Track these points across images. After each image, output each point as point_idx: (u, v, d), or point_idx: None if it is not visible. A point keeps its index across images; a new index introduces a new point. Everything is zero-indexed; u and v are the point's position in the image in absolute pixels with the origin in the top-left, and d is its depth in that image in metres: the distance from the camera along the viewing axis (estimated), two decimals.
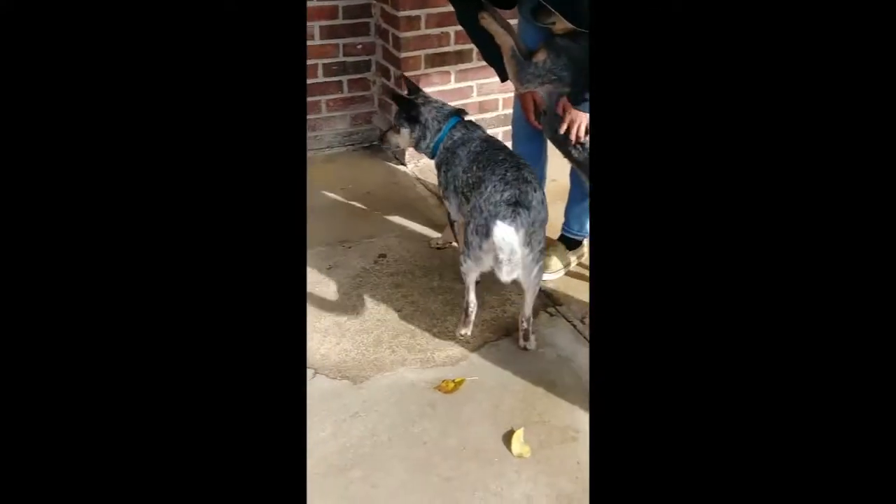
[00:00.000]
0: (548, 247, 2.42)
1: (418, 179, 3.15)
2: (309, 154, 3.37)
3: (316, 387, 1.98)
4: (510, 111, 2.71)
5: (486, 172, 2.06)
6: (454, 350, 2.14)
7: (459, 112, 2.35)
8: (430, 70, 3.18)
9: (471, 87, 3.29)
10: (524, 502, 1.66)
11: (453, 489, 1.68)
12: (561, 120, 2.16)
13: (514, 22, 2.33)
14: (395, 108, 2.47)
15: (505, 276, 1.93)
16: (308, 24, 3.17)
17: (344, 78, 3.34)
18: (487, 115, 3.36)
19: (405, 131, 2.35)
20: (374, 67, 3.38)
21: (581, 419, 1.87)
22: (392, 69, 3.25)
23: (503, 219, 1.92)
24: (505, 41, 2.22)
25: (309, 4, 3.15)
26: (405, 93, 2.44)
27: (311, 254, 2.58)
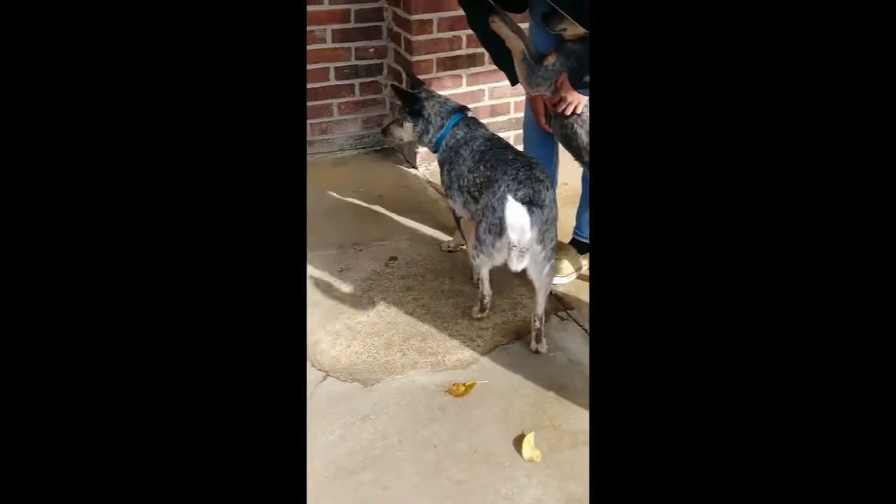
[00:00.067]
0: (559, 250, 2.42)
1: (429, 182, 3.15)
2: (320, 157, 3.39)
3: (326, 389, 1.99)
4: (522, 115, 2.71)
5: (497, 172, 2.07)
6: (465, 353, 2.13)
7: (462, 109, 2.36)
8: (441, 73, 3.18)
9: (482, 90, 3.30)
10: None
11: (464, 493, 1.68)
12: (560, 98, 2.16)
13: (524, 26, 2.33)
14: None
15: (515, 264, 1.95)
16: (320, 27, 3.19)
17: (356, 81, 3.35)
18: (499, 119, 3.36)
19: (408, 125, 2.37)
20: (385, 71, 3.38)
21: None
22: (404, 73, 3.25)
23: (516, 202, 1.93)
24: (515, 45, 2.22)
25: (321, 8, 3.16)
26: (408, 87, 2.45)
27: (323, 256, 2.59)
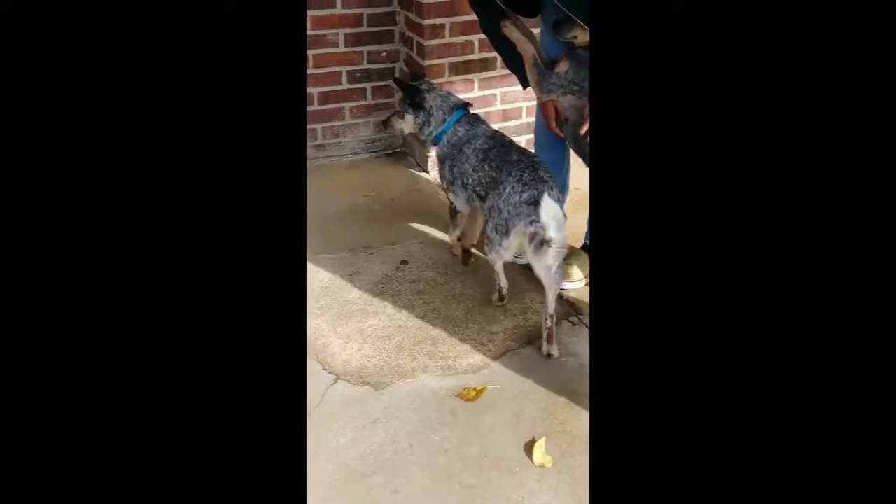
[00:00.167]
0: (570, 255, 2.42)
1: (441, 186, 3.15)
2: (332, 160, 3.40)
3: (337, 392, 1.99)
4: (534, 119, 2.71)
5: (502, 174, 2.11)
6: (476, 358, 2.13)
7: (465, 105, 2.39)
8: (453, 78, 3.18)
9: (494, 95, 3.30)
10: None
11: (474, 497, 1.68)
12: (583, 122, 2.16)
13: (537, 30, 2.33)
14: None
15: (553, 258, 2.02)
16: (333, 31, 3.20)
17: (368, 85, 3.36)
18: (511, 123, 3.36)
19: (409, 117, 2.40)
20: (398, 75, 3.39)
21: None
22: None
23: (546, 195, 2.02)
24: (526, 49, 2.22)
25: (333, 12, 3.18)
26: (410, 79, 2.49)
27: (334, 259, 2.59)
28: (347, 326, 2.26)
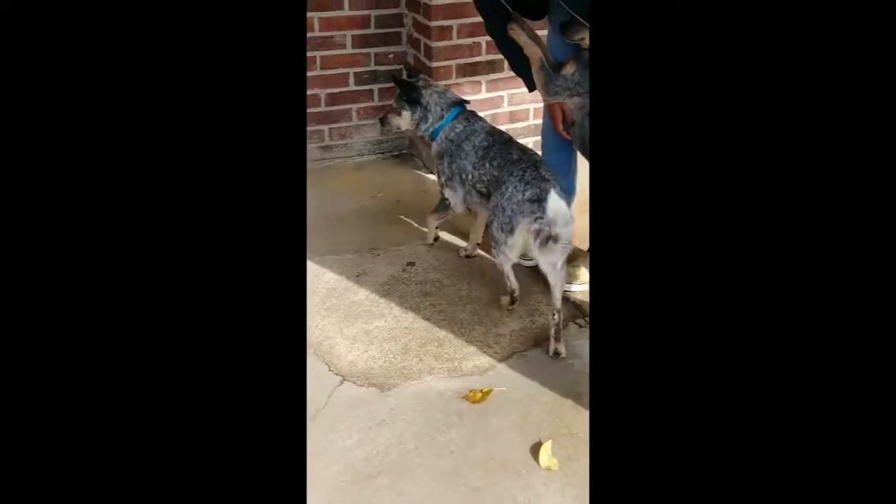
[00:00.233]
0: (578, 257, 2.42)
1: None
2: (339, 162, 3.40)
3: (343, 394, 1.99)
4: (541, 121, 2.71)
5: (504, 173, 2.15)
6: (482, 360, 2.13)
7: (462, 102, 2.42)
8: (461, 79, 3.18)
9: (502, 96, 3.29)
10: None
11: (480, 500, 1.67)
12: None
13: (543, 33, 2.33)
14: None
15: (558, 254, 2.05)
16: (340, 32, 3.20)
17: (375, 87, 3.36)
18: (518, 125, 3.35)
19: (406, 113, 2.43)
20: (403, 75, 3.39)
21: None
22: None
23: (552, 191, 2.05)
24: (533, 52, 2.22)
25: (341, 13, 3.18)
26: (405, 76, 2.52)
27: (340, 261, 2.59)
28: (354, 328, 2.26)
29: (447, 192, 2.42)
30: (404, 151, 3.50)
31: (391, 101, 3.39)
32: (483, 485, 1.71)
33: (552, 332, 2.15)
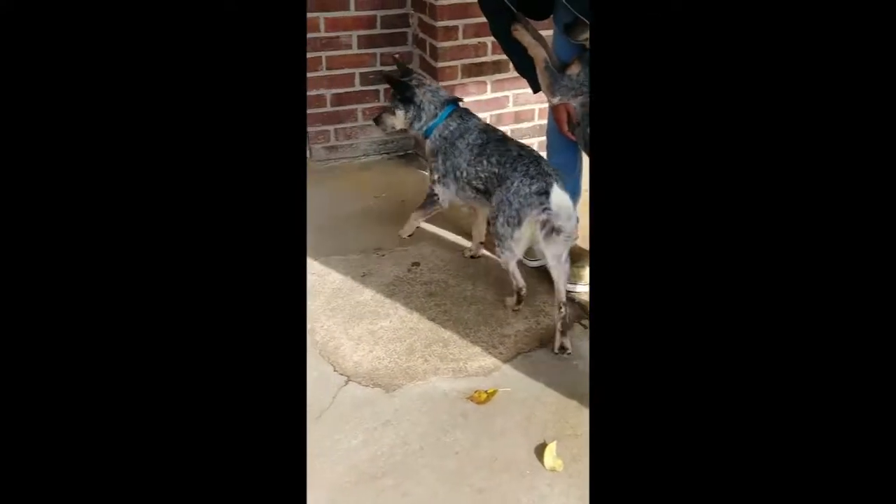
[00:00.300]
0: (582, 257, 2.41)
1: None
2: (344, 162, 3.40)
3: (348, 394, 1.99)
4: (546, 122, 2.70)
5: (507, 169, 2.19)
6: (487, 360, 2.13)
7: (455, 100, 2.44)
8: (466, 80, 3.18)
9: (507, 97, 3.29)
10: None
11: (485, 501, 1.67)
12: None
13: (548, 33, 2.33)
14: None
15: (563, 246, 2.07)
16: (346, 33, 3.21)
17: (380, 87, 3.36)
18: (523, 126, 3.35)
19: (400, 112, 2.45)
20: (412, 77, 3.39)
21: None
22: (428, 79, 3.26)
23: (555, 186, 2.10)
24: (537, 53, 2.21)
25: (347, 14, 3.18)
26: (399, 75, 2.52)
27: (346, 261, 2.60)
28: (359, 328, 2.26)
29: (438, 189, 2.45)
30: (409, 152, 3.50)
31: None
32: (488, 486, 1.71)
33: (557, 326, 2.16)
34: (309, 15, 3.11)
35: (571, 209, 2.11)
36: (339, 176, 3.29)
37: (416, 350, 2.16)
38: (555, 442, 1.81)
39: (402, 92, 2.42)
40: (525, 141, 3.30)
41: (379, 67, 3.32)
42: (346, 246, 2.69)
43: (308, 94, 3.25)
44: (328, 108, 3.31)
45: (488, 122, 3.29)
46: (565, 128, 2.32)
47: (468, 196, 2.39)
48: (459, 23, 3.09)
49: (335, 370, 2.08)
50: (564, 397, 1.98)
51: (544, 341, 2.20)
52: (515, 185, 2.14)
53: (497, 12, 2.25)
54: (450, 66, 3.14)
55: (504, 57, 3.11)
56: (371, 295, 2.42)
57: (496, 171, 2.23)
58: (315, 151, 3.37)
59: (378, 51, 3.29)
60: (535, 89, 2.35)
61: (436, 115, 2.40)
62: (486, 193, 2.29)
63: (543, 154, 2.51)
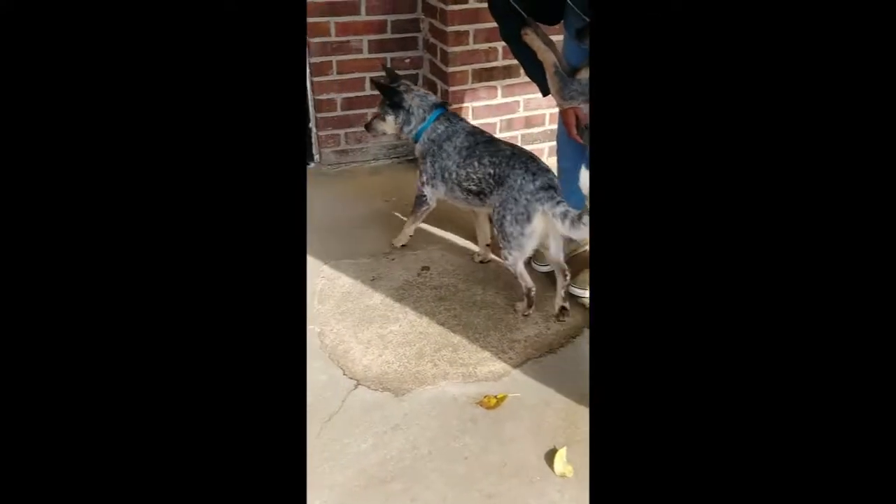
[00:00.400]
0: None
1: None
2: (354, 166, 3.41)
3: (358, 398, 1.99)
4: (556, 126, 2.70)
5: (505, 168, 2.24)
6: (497, 365, 2.12)
7: (443, 104, 2.50)
8: (477, 85, 3.19)
9: (517, 101, 3.29)
10: None
11: None
12: None
13: (558, 38, 2.33)
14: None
15: (584, 230, 2.09)
16: (357, 37, 3.21)
17: None
18: (534, 130, 3.35)
19: (390, 118, 2.51)
20: (421, 81, 3.40)
21: None
22: (439, 83, 3.26)
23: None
24: (547, 57, 2.21)
25: (358, 19, 3.19)
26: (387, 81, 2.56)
27: (355, 265, 2.60)
28: (368, 332, 2.26)
29: (427, 190, 2.51)
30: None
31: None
32: (497, 491, 1.70)
33: (561, 293, 2.31)
34: (319, 19, 3.12)
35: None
36: (349, 180, 3.29)
37: (426, 354, 2.16)
38: (565, 448, 1.80)
39: (391, 97, 2.47)
40: (536, 145, 3.31)
41: None
42: (356, 250, 2.69)
43: (318, 98, 3.26)
44: (338, 112, 3.31)
45: (499, 127, 3.30)
46: (574, 132, 2.31)
47: (458, 197, 2.43)
48: (470, 28, 3.10)
49: (344, 374, 2.08)
50: (574, 403, 1.97)
51: (554, 347, 2.20)
52: (519, 182, 2.18)
53: (507, 17, 2.24)
54: (460, 71, 3.15)
55: (515, 62, 3.10)
56: (381, 299, 2.42)
57: (491, 171, 2.27)
58: (325, 155, 3.38)
59: (389, 55, 3.30)
60: (545, 93, 2.35)
61: (424, 119, 2.46)
62: (479, 195, 2.35)
63: (554, 158, 2.52)
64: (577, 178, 2.31)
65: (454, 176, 2.39)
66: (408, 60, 3.35)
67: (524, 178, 2.18)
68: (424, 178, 2.50)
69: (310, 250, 2.63)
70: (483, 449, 1.82)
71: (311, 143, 3.37)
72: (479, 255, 2.65)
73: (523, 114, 3.32)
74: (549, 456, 1.79)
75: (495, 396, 1.99)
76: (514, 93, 3.27)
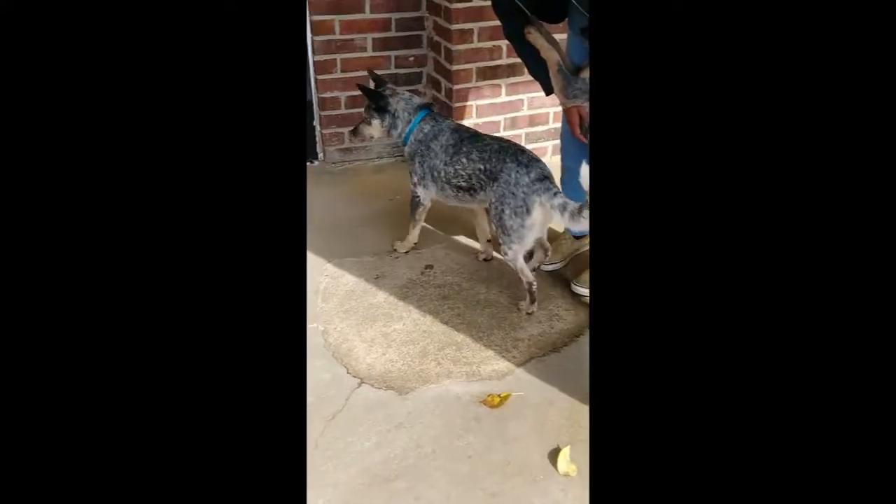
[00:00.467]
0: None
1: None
2: (358, 164, 3.41)
3: (361, 396, 1.99)
4: (560, 125, 2.70)
5: (496, 162, 2.24)
6: (500, 364, 2.12)
7: (428, 105, 2.51)
8: (481, 83, 3.18)
9: (521, 100, 3.29)
10: None
11: None
12: None
13: (561, 37, 2.32)
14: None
15: (584, 223, 2.08)
16: (361, 35, 3.21)
17: None
18: (538, 129, 3.35)
19: (376, 122, 2.52)
20: (425, 79, 3.40)
21: None
22: (443, 81, 3.26)
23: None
24: (550, 56, 2.21)
25: (362, 17, 3.19)
26: (372, 85, 2.57)
27: (359, 263, 2.60)
28: (372, 330, 2.26)
29: (420, 191, 2.51)
30: None
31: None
32: (500, 490, 1.70)
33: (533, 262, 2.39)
34: (324, 17, 3.12)
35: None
36: (353, 178, 3.29)
37: (430, 353, 2.16)
38: (568, 447, 1.80)
39: (377, 101, 2.48)
40: (540, 144, 3.30)
41: (394, 70, 3.33)
42: (359, 248, 2.70)
43: (322, 96, 3.26)
44: (342, 111, 3.32)
45: (503, 125, 3.30)
46: (577, 130, 2.31)
47: (449, 195, 2.44)
48: (474, 26, 3.09)
49: (348, 372, 2.08)
50: (578, 402, 1.97)
51: (558, 346, 2.20)
52: (513, 176, 2.19)
53: (511, 15, 2.24)
54: (464, 69, 3.15)
55: (519, 60, 3.10)
56: (384, 297, 2.42)
57: (482, 167, 2.27)
58: (329, 153, 3.38)
59: (393, 53, 3.30)
60: (548, 91, 2.35)
61: (410, 122, 2.46)
62: (469, 191, 2.35)
63: (557, 157, 2.52)
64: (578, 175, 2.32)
65: (443, 174, 2.39)
66: (412, 58, 3.35)
67: (518, 172, 2.18)
68: (415, 179, 2.50)
69: (313, 248, 2.63)
70: (487, 448, 1.82)
71: (315, 142, 3.37)
72: (482, 252, 2.65)
73: (527, 112, 3.32)
74: (553, 455, 1.79)
75: (499, 395, 1.99)
76: (518, 91, 3.26)
